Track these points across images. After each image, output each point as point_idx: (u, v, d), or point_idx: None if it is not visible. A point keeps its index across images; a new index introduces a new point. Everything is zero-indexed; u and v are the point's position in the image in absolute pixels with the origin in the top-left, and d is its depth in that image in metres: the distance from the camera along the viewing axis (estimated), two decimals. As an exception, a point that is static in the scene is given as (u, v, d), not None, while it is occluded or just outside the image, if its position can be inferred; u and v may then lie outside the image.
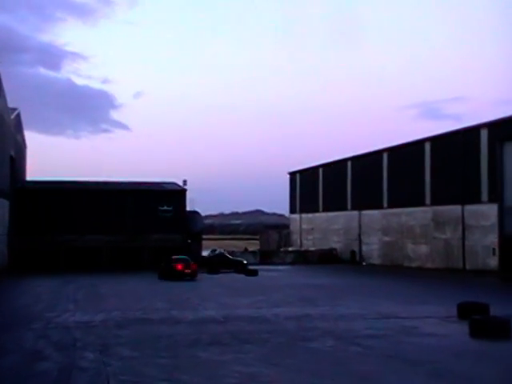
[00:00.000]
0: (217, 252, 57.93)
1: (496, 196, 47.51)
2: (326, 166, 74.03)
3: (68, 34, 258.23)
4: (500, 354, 14.30)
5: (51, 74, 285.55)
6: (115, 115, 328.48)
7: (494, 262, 47.48)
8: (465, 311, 19.31)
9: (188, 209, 59.95)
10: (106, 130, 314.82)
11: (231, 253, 63.62)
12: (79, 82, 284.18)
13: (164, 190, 60.11)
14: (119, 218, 56.67)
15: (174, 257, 44.76)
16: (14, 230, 52.72)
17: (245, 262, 51.92)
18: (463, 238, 50.66)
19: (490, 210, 47.99)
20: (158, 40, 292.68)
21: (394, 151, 61.04)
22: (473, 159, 49.57)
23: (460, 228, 50.99)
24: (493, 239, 47.70)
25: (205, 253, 72.62)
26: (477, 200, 49.25)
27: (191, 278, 41.69)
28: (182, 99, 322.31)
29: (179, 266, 42.50)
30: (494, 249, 47.57)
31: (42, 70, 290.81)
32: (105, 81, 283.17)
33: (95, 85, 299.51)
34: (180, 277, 41.31)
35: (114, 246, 55.55)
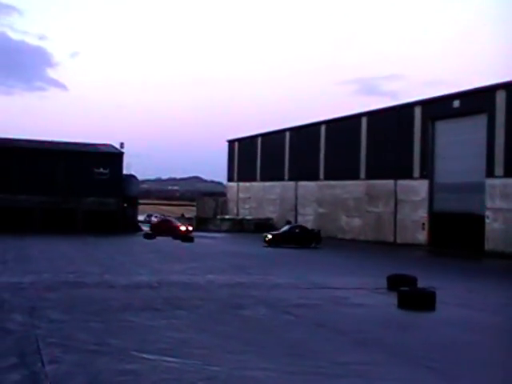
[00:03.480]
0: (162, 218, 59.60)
1: (427, 173, 48.99)
2: (265, 136, 74.23)
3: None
4: (424, 324, 14.88)
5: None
6: (51, 73, 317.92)
7: (422, 236, 49.15)
8: (394, 283, 19.94)
9: (124, 172, 59.06)
10: (40, 88, 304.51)
11: (166, 218, 63.35)
12: (14, 36, 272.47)
13: (100, 152, 58.92)
14: (52, 178, 55.27)
15: None
16: None
17: (183, 228, 52.77)
18: (395, 212, 52.11)
19: (421, 186, 49.50)
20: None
21: (331, 124, 61.74)
22: (406, 136, 50.80)
23: (392, 202, 52.38)
24: (422, 214, 49.30)
25: (141, 217, 71.93)
26: (409, 176, 50.66)
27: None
28: (121, 61, 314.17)
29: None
30: (423, 224, 49.19)
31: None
32: (42, 37, 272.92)
33: (31, 41, 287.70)
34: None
35: (46, 207, 54.24)
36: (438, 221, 47.88)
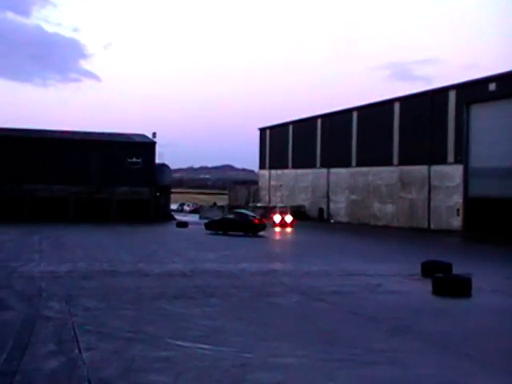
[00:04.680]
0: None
1: (461, 158, 48.17)
2: (296, 123, 73.85)
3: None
4: (460, 311, 14.68)
5: (20, 19, 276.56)
6: (85, 65, 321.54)
7: (457, 222, 48.45)
8: (428, 269, 19.70)
9: (157, 162, 59.48)
10: (75, 80, 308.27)
11: (199, 207, 63.61)
12: (49, 29, 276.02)
13: (133, 142, 59.40)
14: (87, 169, 55.98)
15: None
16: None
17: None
18: (429, 198, 51.44)
19: (455, 171, 48.71)
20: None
21: (363, 110, 61.10)
22: (440, 121, 49.98)
23: (426, 188, 51.70)
24: (457, 200, 48.57)
25: (173, 206, 72.56)
26: (443, 161, 49.88)
27: None
28: (152, 50, 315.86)
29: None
30: (457, 209, 48.47)
31: (11, 15, 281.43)
32: (75, 29, 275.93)
33: (65, 33, 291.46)
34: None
35: (80, 197, 55.00)
36: (473, 206, 47.09)
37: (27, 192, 53.38)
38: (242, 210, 46.52)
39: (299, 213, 67.31)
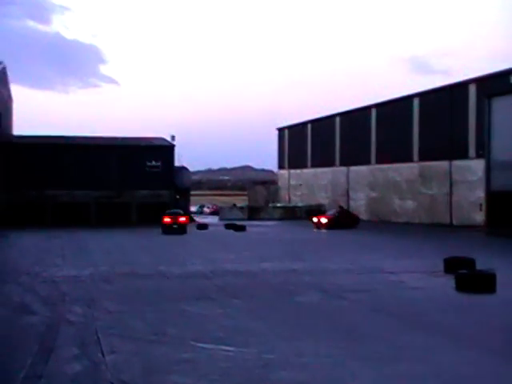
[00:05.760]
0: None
1: (483, 151, 47.60)
2: (315, 122, 73.64)
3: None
4: (485, 307, 14.50)
5: (40, 27, 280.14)
6: (104, 70, 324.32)
7: (479, 217, 47.88)
8: (451, 266, 19.45)
9: (176, 164, 59.69)
10: (95, 85, 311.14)
11: (219, 209, 63.68)
12: (69, 35, 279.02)
13: (152, 146, 59.69)
14: (107, 173, 56.35)
15: (167, 211, 45.69)
16: (1, 185, 52.35)
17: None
18: (450, 193, 50.95)
19: (477, 166, 48.14)
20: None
21: (382, 107, 60.74)
22: (461, 115, 49.47)
23: (447, 183, 51.22)
24: (479, 194, 48.00)
25: (193, 208, 72.74)
26: (464, 155, 49.36)
27: (179, 232, 41.75)
28: (172, 54, 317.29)
29: (166, 220, 42.72)
30: (480, 204, 47.92)
31: (31, 23, 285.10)
32: (94, 35, 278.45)
33: (85, 39, 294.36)
34: (167, 230, 41.54)
35: (101, 201, 55.39)
36: (497, 201, 46.43)
37: (49, 198, 53.91)
38: (175, 210, 47.17)
39: (319, 211, 67.08)
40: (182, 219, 43.51)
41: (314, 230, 47.41)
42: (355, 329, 11.93)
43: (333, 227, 46.38)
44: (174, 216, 43.61)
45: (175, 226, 42.44)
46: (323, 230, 46.33)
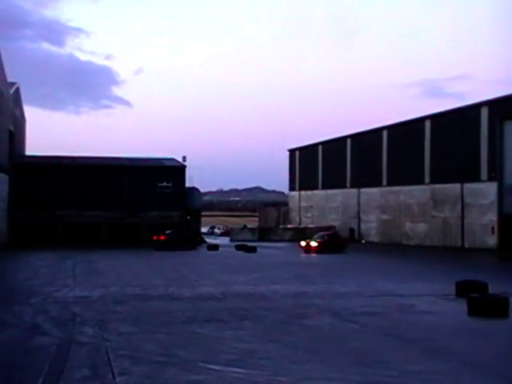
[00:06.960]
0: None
1: (495, 174, 47.43)
2: (326, 144, 73.82)
3: (71, 10, 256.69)
4: (497, 332, 14.34)
5: (54, 49, 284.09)
6: (117, 91, 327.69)
7: (492, 240, 47.59)
8: (463, 289, 19.27)
9: (187, 185, 59.91)
10: (107, 106, 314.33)
11: (230, 230, 63.71)
12: (82, 57, 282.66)
13: (163, 166, 60.01)
14: (118, 193, 56.67)
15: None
16: (13, 205, 52.73)
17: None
18: (462, 216, 50.70)
19: (490, 189, 47.97)
20: (160, 15, 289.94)
21: (393, 129, 60.81)
22: (473, 138, 49.41)
23: (459, 206, 51.01)
24: (491, 218, 47.75)
25: (204, 229, 72.80)
26: (476, 178, 49.22)
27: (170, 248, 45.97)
28: (183, 76, 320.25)
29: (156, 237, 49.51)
30: (492, 227, 47.63)
31: (45, 46, 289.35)
32: (108, 57, 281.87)
33: (98, 61, 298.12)
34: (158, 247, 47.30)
35: (112, 221, 55.64)
36: (509, 224, 46.22)
37: (60, 218, 54.22)
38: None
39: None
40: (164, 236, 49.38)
41: (302, 254, 44.75)
42: (366, 353, 11.83)
43: (322, 251, 44.37)
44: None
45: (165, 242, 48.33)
46: (313, 255, 44.28)
